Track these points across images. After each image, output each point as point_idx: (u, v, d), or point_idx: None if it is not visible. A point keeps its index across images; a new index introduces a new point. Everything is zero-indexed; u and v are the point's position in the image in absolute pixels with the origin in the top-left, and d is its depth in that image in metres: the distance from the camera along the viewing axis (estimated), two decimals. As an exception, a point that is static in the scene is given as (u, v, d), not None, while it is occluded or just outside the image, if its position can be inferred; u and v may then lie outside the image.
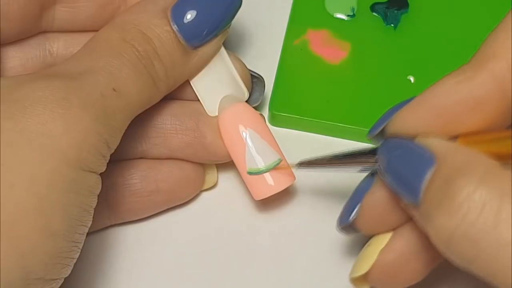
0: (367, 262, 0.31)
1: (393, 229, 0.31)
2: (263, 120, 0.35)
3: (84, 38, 0.33)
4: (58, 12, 0.34)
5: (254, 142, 0.34)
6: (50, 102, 0.28)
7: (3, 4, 0.32)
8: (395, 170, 0.27)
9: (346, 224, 0.31)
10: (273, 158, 0.34)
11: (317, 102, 0.38)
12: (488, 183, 0.24)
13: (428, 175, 0.26)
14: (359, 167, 0.31)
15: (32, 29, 0.34)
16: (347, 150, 0.31)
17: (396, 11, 0.40)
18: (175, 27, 0.31)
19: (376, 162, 0.29)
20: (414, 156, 0.27)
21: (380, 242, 0.31)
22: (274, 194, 0.34)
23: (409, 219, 0.30)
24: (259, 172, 0.34)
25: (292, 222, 0.36)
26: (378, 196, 0.30)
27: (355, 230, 0.32)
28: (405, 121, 0.28)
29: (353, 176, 0.36)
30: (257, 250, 0.36)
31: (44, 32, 0.34)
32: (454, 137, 0.27)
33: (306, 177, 0.37)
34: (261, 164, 0.34)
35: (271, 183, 0.34)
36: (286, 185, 0.34)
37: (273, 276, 0.35)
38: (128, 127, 0.31)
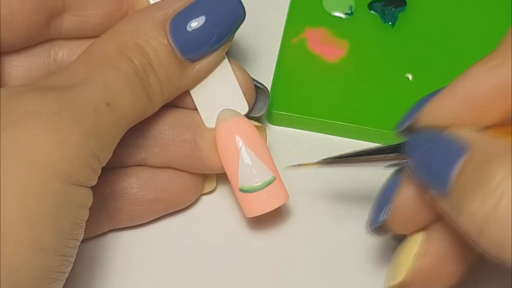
0: (403, 268, 0.30)
1: (426, 227, 0.30)
2: (260, 136, 0.34)
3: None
4: (66, 20, 0.33)
5: (249, 159, 0.33)
6: (41, 116, 0.27)
7: (6, 14, 0.31)
8: (424, 163, 0.27)
9: (377, 225, 0.31)
10: (266, 177, 0.33)
11: (316, 101, 0.38)
12: None
13: (459, 164, 0.25)
14: (385, 164, 0.30)
15: (38, 38, 0.33)
16: (371, 147, 0.31)
17: (393, 9, 0.40)
18: (172, 41, 0.31)
19: (403, 158, 0.29)
20: (445, 147, 0.26)
21: (413, 246, 0.30)
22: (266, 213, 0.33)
23: (441, 216, 0.29)
24: (251, 190, 0.33)
25: (292, 225, 0.36)
26: (408, 193, 0.29)
27: (386, 230, 0.31)
28: (437, 112, 0.28)
29: (353, 179, 0.37)
30: (256, 254, 0.36)
31: (51, 39, 0.34)
32: (484, 128, 0.27)
33: (306, 179, 0.37)
34: (254, 182, 0.33)
35: (264, 201, 0.33)
36: (278, 204, 0.33)
37: (273, 280, 0.35)
38: (127, 134, 0.31)
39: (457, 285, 0.31)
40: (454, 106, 0.27)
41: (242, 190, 0.33)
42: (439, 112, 0.28)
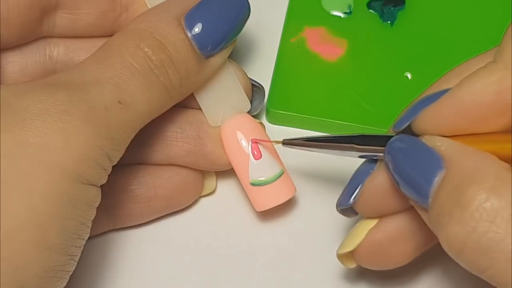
0: (354, 240, 0.31)
1: (394, 214, 0.31)
2: (264, 131, 0.35)
3: (85, 44, 0.32)
4: (59, 18, 0.33)
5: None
6: (50, 115, 0.27)
7: (4, 10, 0.31)
8: (403, 170, 0.27)
9: (346, 207, 0.31)
10: (276, 170, 0.34)
11: (315, 100, 0.38)
12: (500, 191, 0.24)
13: (437, 179, 0.26)
14: (357, 154, 0.31)
15: (33, 35, 0.33)
16: (333, 135, 0.31)
17: (392, 8, 0.40)
18: (189, 35, 0.31)
19: (372, 151, 0.30)
20: (423, 158, 0.27)
21: (370, 221, 0.31)
22: (275, 206, 0.34)
23: (410, 207, 0.29)
24: (262, 184, 0.34)
25: (292, 225, 0.36)
26: (380, 181, 0.30)
27: (355, 213, 0.32)
28: (433, 120, 0.28)
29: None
30: (256, 255, 0.36)
31: (45, 37, 0.34)
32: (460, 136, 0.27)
33: (306, 181, 0.37)
34: (264, 176, 0.34)
35: (274, 194, 0.34)
36: (287, 197, 0.34)
37: (273, 281, 0.35)
38: None
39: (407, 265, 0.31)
40: (451, 117, 0.27)
41: (253, 184, 0.34)
42: (435, 120, 0.28)
